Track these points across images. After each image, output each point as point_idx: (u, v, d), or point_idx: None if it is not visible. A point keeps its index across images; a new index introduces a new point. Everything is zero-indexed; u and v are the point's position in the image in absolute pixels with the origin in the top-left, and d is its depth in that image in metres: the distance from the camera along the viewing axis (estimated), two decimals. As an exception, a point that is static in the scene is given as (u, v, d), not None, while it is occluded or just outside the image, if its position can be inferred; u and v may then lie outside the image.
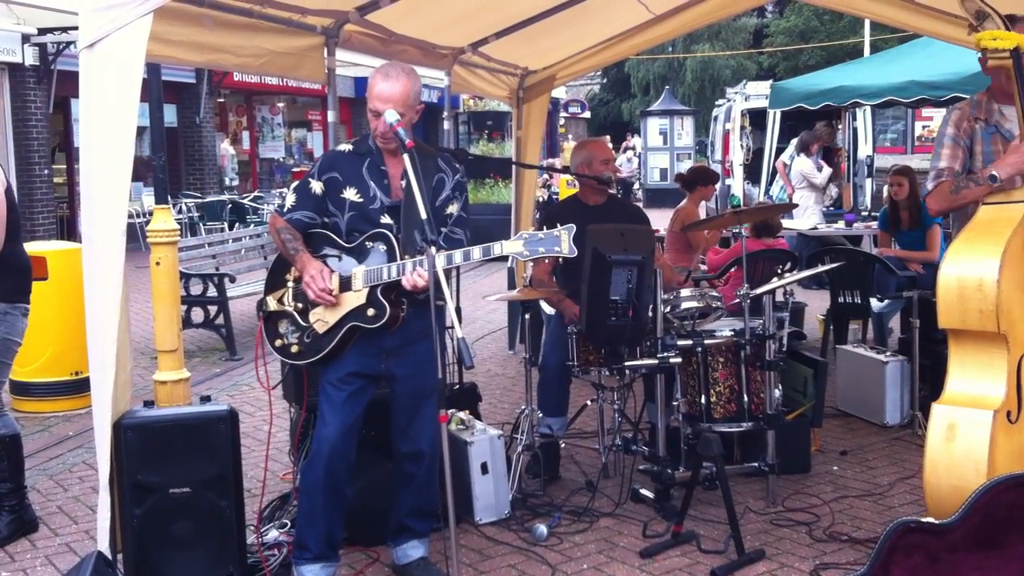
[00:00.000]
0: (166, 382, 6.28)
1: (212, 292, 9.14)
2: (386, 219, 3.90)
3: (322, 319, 3.90)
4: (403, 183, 3.87)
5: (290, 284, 4.00)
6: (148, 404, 4.12)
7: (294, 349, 3.98)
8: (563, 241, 3.56)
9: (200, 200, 17.90)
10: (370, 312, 3.83)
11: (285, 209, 4.00)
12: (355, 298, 3.85)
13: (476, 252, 3.70)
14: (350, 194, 3.91)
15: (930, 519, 3.41)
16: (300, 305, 3.96)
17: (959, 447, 3.63)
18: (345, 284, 3.86)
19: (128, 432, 3.86)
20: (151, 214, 6.77)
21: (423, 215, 3.51)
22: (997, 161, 4.10)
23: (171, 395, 6.24)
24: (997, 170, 3.99)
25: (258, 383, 4.26)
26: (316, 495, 3.96)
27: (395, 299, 3.81)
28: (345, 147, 4.05)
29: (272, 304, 4.03)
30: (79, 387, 6.79)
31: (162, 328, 6.33)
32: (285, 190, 16.98)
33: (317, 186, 3.95)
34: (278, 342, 4.02)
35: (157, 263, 6.39)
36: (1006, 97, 4.22)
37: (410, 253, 3.78)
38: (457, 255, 3.71)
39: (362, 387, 3.97)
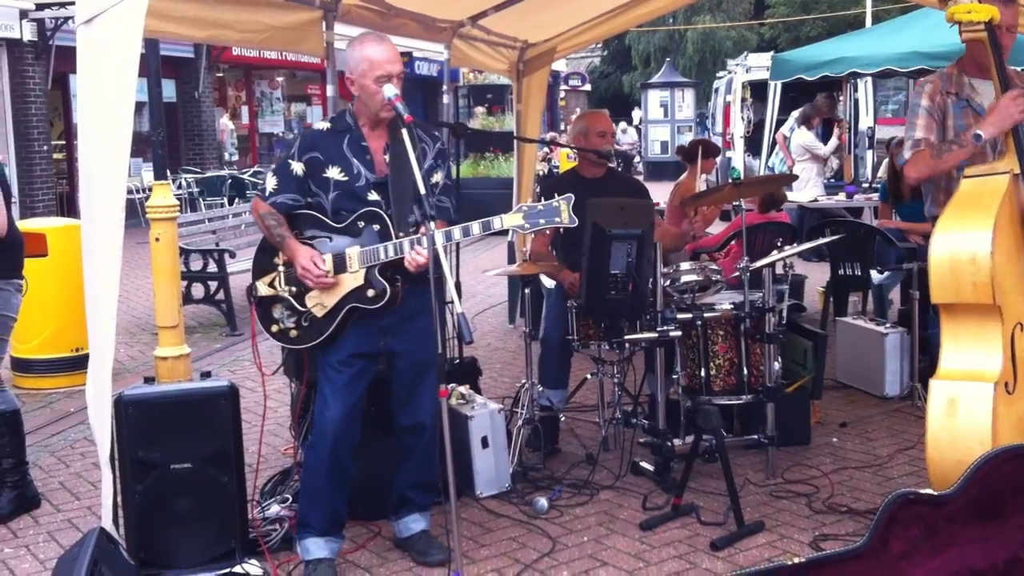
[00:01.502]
0: (167, 358, 6.31)
1: (212, 268, 9.13)
2: (373, 196, 3.85)
3: (320, 302, 3.86)
4: (386, 157, 3.86)
5: (280, 268, 3.93)
6: (149, 380, 4.14)
7: (293, 334, 3.94)
8: (562, 211, 3.56)
9: (200, 175, 17.87)
10: (370, 293, 3.80)
11: (267, 193, 3.90)
12: (352, 279, 3.81)
13: (476, 227, 3.70)
14: (334, 173, 3.85)
15: (929, 490, 3.41)
16: (294, 289, 3.91)
17: (961, 422, 3.63)
18: (339, 265, 3.81)
19: (129, 408, 3.88)
20: (150, 190, 6.77)
21: (421, 191, 3.50)
22: (981, 122, 4.09)
23: (172, 371, 6.27)
24: (981, 129, 3.99)
25: (259, 365, 4.22)
26: (320, 476, 3.97)
27: (392, 277, 3.79)
28: (323, 125, 3.99)
29: (263, 289, 3.97)
30: (80, 363, 6.78)
31: (162, 304, 6.36)
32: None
33: (298, 167, 3.88)
34: (275, 327, 3.97)
35: (157, 239, 6.41)
36: (977, 70, 4.23)
37: (403, 230, 3.76)
38: (456, 231, 3.70)
39: (363, 368, 3.96)
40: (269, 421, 5.99)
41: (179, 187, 16.69)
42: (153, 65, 6.90)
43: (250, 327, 4.19)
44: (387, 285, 3.78)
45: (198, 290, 9.17)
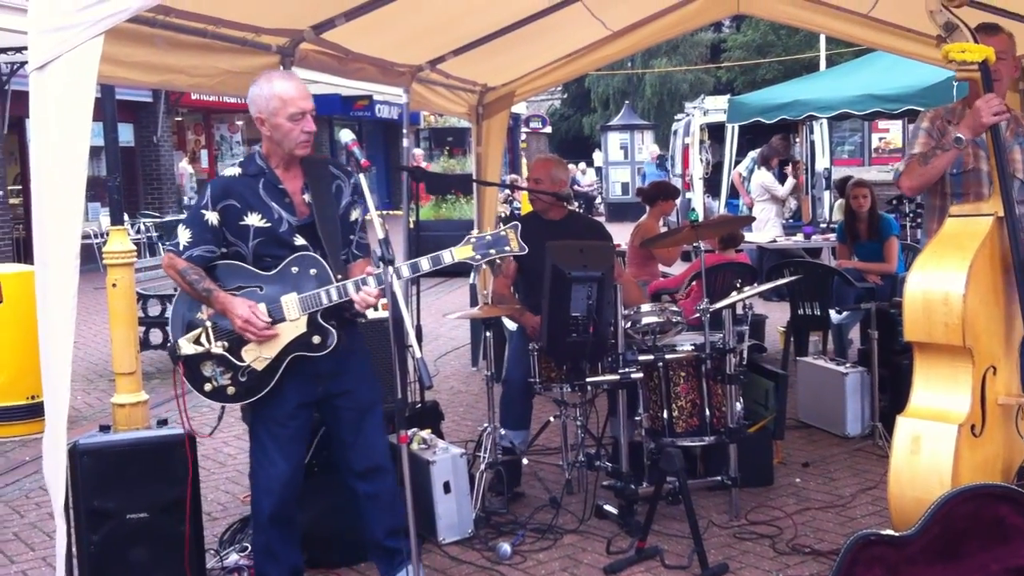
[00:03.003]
0: (124, 405, 6.22)
1: (170, 313, 9.00)
2: (299, 240, 3.73)
3: (260, 355, 3.70)
4: (306, 198, 3.76)
5: (207, 323, 3.73)
6: (104, 428, 4.07)
7: (230, 391, 3.74)
8: (511, 239, 3.55)
9: (158, 219, 17.74)
10: (315, 340, 3.69)
11: (182, 247, 3.72)
12: (292, 328, 3.68)
13: (424, 263, 3.64)
14: (253, 220, 3.71)
15: (890, 531, 3.43)
16: (227, 343, 3.71)
17: (923, 460, 3.65)
18: (275, 315, 3.67)
19: (84, 457, 3.82)
20: (108, 234, 6.70)
21: (380, 235, 3.48)
22: (959, 124, 4.15)
23: (129, 418, 6.17)
24: (960, 132, 4.05)
25: (187, 422, 4.09)
26: (271, 533, 3.89)
27: (331, 322, 3.71)
28: (232, 171, 3.83)
29: (188, 348, 3.74)
30: (35, 411, 6.68)
31: (120, 350, 6.27)
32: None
33: (212, 217, 3.72)
34: (207, 386, 3.75)
35: (114, 284, 6.33)
36: None
37: (339, 271, 3.68)
38: (405, 268, 3.63)
39: (306, 418, 3.89)
40: (228, 468, 5.94)
41: (137, 231, 16.56)
42: (109, 110, 6.88)
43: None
44: (333, 330, 3.69)
45: (156, 335, 9.05)
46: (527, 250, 3.58)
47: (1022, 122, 4.43)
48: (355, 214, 3.91)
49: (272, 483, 3.82)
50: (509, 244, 3.54)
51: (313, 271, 3.70)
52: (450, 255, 3.60)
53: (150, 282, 9.38)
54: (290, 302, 3.68)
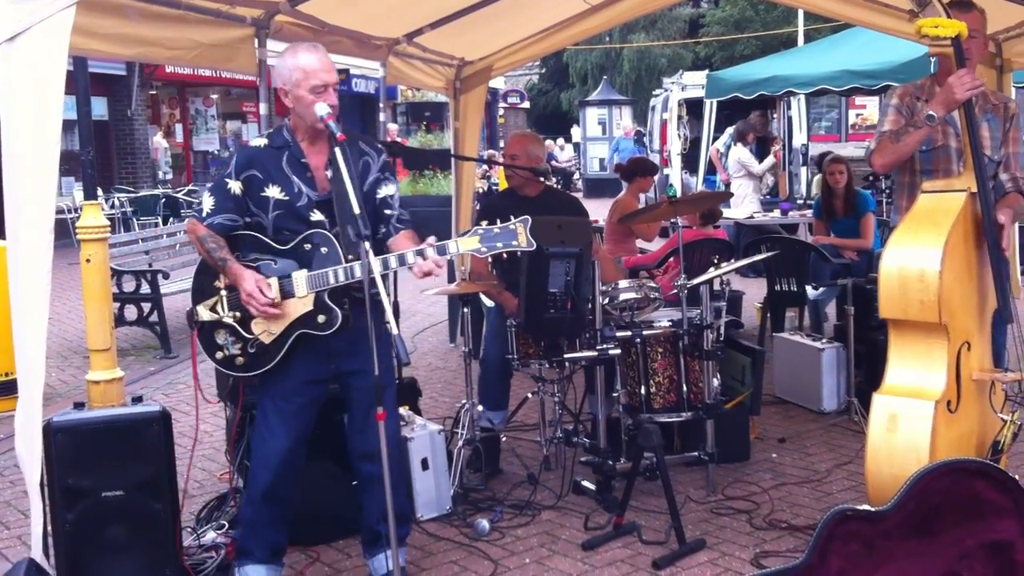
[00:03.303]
0: (99, 382, 6.18)
1: (145, 289, 8.95)
2: (317, 215, 3.71)
3: (267, 329, 3.71)
4: (328, 174, 3.72)
5: (223, 292, 3.76)
6: (79, 405, 4.03)
7: (239, 361, 3.76)
8: (519, 234, 3.49)
9: (133, 194, 17.59)
10: (320, 319, 3.68)
11: (204, 214, 3.74)
12: (300, 304, 3.68)
13: (430, 252, 3.54)
14: (273, 192, 3.71)
15: (866, 507, 3.44)
16: (238, 314, 3.72)
17: (901, 438, 3.66)
18: (286, 290, 3.67)
19: (58, 435, 3.78)
20: (81, 209, 6.63)
21: (356, 210, 3.43)
22: (931, 101, 4.14)
23: (104, 395, 6.13)
24: (932, 109, 4.04)
25: (198, 392, 4.11)
26: (261, 507, 3.87)
27: (341, 301, 3.67)
28: (259, 142, 3.83)
29: (205, 314, 3.77)
30: (9, 388, 6.62)
31: (94, 327, 6.22)
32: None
33: (236, 186, 3.73)
34: (219, 354, 3.78)
35: (88, 260, 6.27)
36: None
37: (351, 250, 3.60)
38: (409, 255, 3.56)
39: (314, 395, 3.86)
40: (205, 446, 5.90)
41: (112, 206, 16.41)
42: (82, 83, 6.78)
43: (186, 349, 4.06)
44: (338, 310, 3.66)
45: (131, 312, 8.99)
46: (535, 246, 3.53)
47: (991, 99, 4.43)
48: (384, 190, 3.84)
49: (271, 457, 3.81)
50: (517, 239, 3.48)
51: (324, 249, 3.67)
52: (456, 245, 3.52)
53: (124, 258, 9.31)
54: (299, 278, 3.67)
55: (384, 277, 3.53)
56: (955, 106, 3.99)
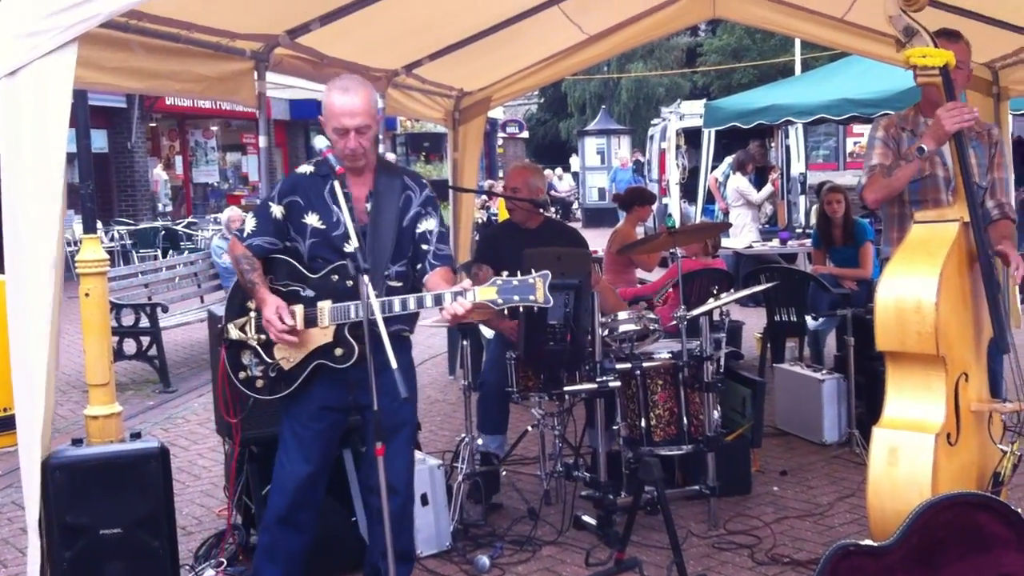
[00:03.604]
0: (97, 417, 6.14)
1: (144, 322, 8.92)
2: (350, 246, 3.65)
3: (287, 356, 3.74)
4: (368, 206, 3.75)
5: (252, 314, 3.81)
6: (76, 442, 4.00)
7: (259, 384, 3.79)
8: (538, 289, 3.43)
9: (132, 227, 17.60)
10: (338, 352, 3.68)
11: (245, 234, 3.80)
12: (321, 335, 3.69)
13: (447, 297, 3.50)
14: (312, 220, 3.74)
15: (868, 541, 3.41)
16: (263, 337, 3.76)
17: (902, 471, 3.64)
18: (311, 318, 3.68)
19: (56, 472, 3.74)
20: (80, 242, 6.62)
21: (355, 244, 3.43)
22: (922, 135, 4.14)
23: (103, 430, 6.09)
24: (923, 142, 4.04)
25: (209, 412, 4.10)
26: (276, 534, 3.85)
27: (360, 336, 3.62)
28: (306, 168, 3.84)
29: (234, 333, 3.83)
30: (7, 424, 6.60)
31: (93, 361, 6.19)
32: (219, 215, 16.75)
33: (278, 210, 3.78)
34: (242, 374, 3.82)
35: (86, 294, 6.26)
36: (933, 111, 4.25)
37: (378, 285, 3.60)
38: (428, 298, 3.55)
39: (332, 422, 3.84)
40: (204, 481, 5.88)
41: (111, 239, 16.42)
42: (82, 116, 6.81)
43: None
44: (355, 345, 3.65)
45: (130, 345, 8.97)
46: (552, 303, 3.49)
47: (974, 126, 4.43)
48: (424, 225, 3.82)
49: (287, 482, 3.80)
50: (535, 294, 3.43)
51: (349, 283, 3.66)
52: (473, 294, 3.46)
53: (123, 291, 9.29)
54: (324, 309, 3.68)
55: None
56: (946, 139, 4.00)
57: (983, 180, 4.39)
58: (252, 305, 3.81)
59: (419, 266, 3.82)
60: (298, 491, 3.80)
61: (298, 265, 3.77)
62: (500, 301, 3.45)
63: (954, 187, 4.12)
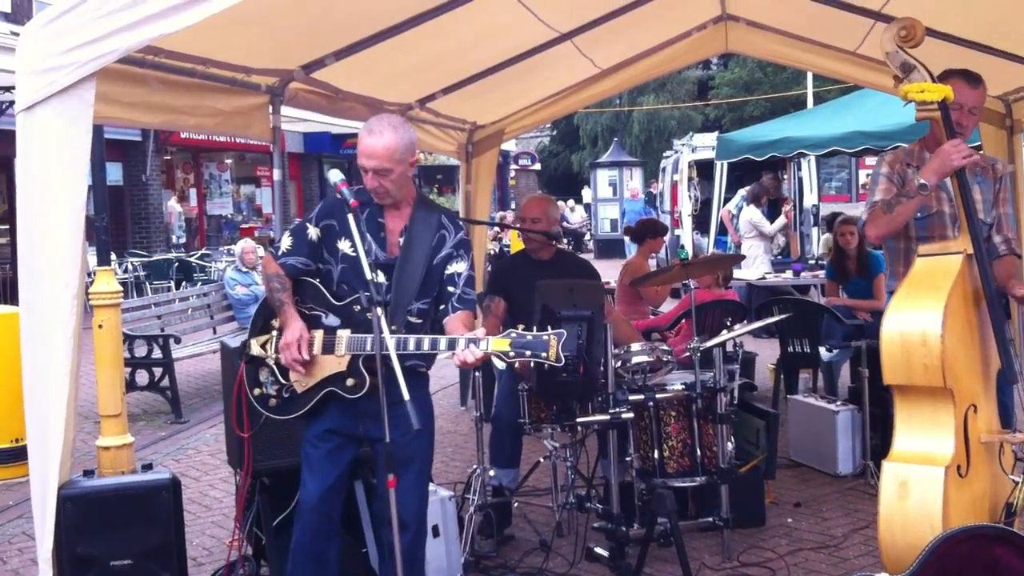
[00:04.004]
0: (109, 448, 6.16)
1: (157, 354, 8.95)
2: (379, 277, 3.62)
3: (300, 380, 3.76)
4: (401, 240, 3.77)
5: (275, 332, 3.83)
6: (88, 473, 4.01)
7: (272, 402, 3.82)
8: (551, 347, 3.38)
9: (146, 259, 17.68)
10: (349, 382, 3.68)
11: (280, 253, 3.84)
12: (335, 363, 3.69)
13: (460, 343, 3.49)
14: (344, 246, 3.76)
15: (884, 575, 3.38)
16: (280, 357, 3.79)
17: (912, 505, 3.61)
18: (328, 345, 3.71)
19: (67, 503, 3.75)
20: (94, 275, 6.65)
21: (368, 275, 3.44)
22: (922, 170, 4.13)
23: (115, 461, 6.11)
24: (925, 178, 4.03)
25: (220, 442, 4.10)
26: (298, 561, 3.83)
27: (373, 369, 3.59)
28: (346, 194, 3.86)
29: (255, 349, 3.85)
30: (19, 455, 6.60)
31: (105, 392, 6.21)
32: (233, 247, 16.79)
33: (314, 232, 3.81)
34: (257, 391, 3.84)
35: (100, 326, 6.29)
36: (937, 147, 4.25)
37: (398, 319, 3.62)
38: (443, 342, 3.54)
39: (340, 444, 3.82)
40: (215, 512, 5.87)
41: (125, 271, 16.50)
42: (97, 149, 6.86)
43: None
44: (368, 377, 3.65)
45: (142, 377, 8.98)
46: (564, 362, 3.46)
47: (979, 161, 4.42)
48: (454, 267, 3.83)
49: (300, 508, 3.80)
50: (548, 351, 3.39)
51: (368, 315, 3.63)
52: (487, 344, 3.45)
53: (136, 322, 9.31)
54: (342, 338, 3.69)
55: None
56: (947, 175, 3.99)
57: (988, 216, 4.37)
58: (276, 324, 3.83)
59: (442, 307, 3.83)
60: (311, 514, 3.78)
61: (324, 290, 3.80)
62: (512, 354, 3.43)
63: (958, 223, 4.10)
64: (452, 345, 3.51)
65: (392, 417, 3.48)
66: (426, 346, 3.57)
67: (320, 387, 3.74)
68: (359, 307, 3.69)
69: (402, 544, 3.55)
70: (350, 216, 3.60)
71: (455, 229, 3.88)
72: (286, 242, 3.87)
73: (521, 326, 3.47)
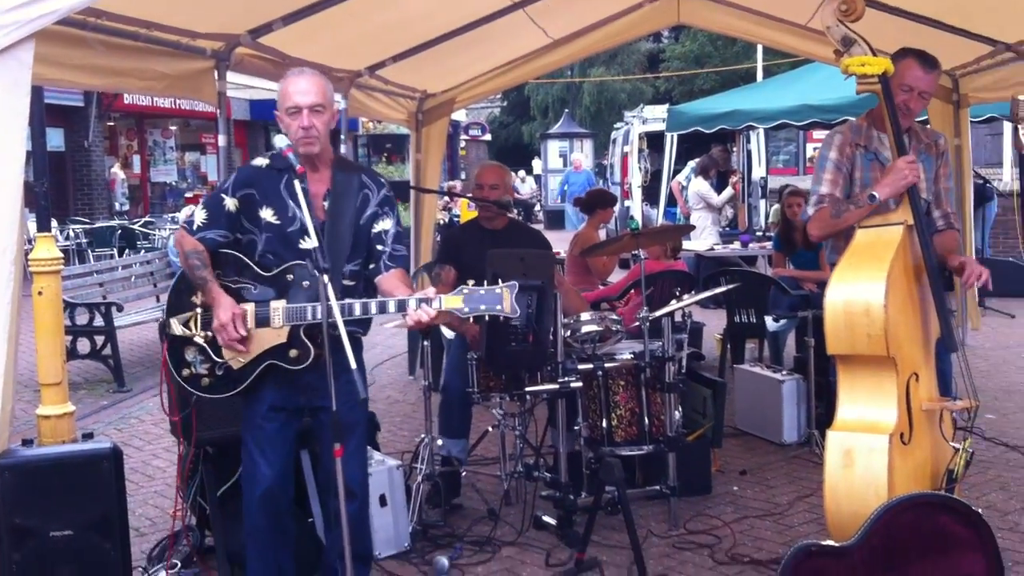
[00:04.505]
0: (50, 416, 6.02)
1: (99, 321, 8.81)
2: (306, 243, 3.61)
3: (236, 356, 3.63)
4: (326, 204, 3.67)
5: (198, 310, 3.68)
6: (27, 442, 3.92)
7: (204, 381, 3.68)
8: (504, 299, 3.39)
9: (89, 226, 17.37)
10: (292, 353, 3.60)
11: (195, 227, 3.67)
12: (274, 335, 3.59)
13: (412, 303, 3.45)
14: (267, 214, 3.64)
15: (830, 542, 3.42)
16: (210, 335, 3.65)
17: (857, 473, 3.64)
18: (262, 318, 3.59)
19: (5, 473, 3.65)
20: (35, 241, 6.51)
21: (314, 242, 3.38)
22: (875, 183, 4.15)
23: (55, 430, 5.98)
24: (876, 191, 4.04)
25: (163, 412, 4.04)
26: (263, 541, 3.77)
27: (314, 337, 3.57)
28: (261, 162, 3.74)
29: (177, 328, 3.69)
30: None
31: (45, 360, 6.08)
32: (177, 215, 16.55)
33: (231, 203, 3.66)
34: (185, 371, 3.70)
35: (40, 293, 6.15)
36: (884, 123, 4.23)
37: (335, 283, 3.51)
38: (392, 304, 3.49)
39: (285, 421, 3.75)
40: (158, 482, 5.80)
41: (67, 238, 16.20)
42: (37, 114, 6.67)
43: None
44: (311, 346, 3.57)
45: (84, 345, 8.84)
46: (518, 312, 3.46)
47: (922, 137, 4.43)
48: (380, 225, 3.76)
49: (253, 486, 3.72)
50: (502, 303, 3.40)
51: (306, 283, 3.59)
52: (440, 301, 3.43)
53: (78, 290, 9.16)
54: (278, 309, 3.59)
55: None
56: (902, 191, 3.98)
57: (928, 193, 4.38)
58: (198, 300, 3.69)
59: (372, 266, 3.77)
60: (266, 493, 3.72)
61: (249, 262, 3.67)
62: (466, 310, 3.41)
63: (897, 199, 4.11)
64: (402, 306, 3.45)
65: (335, 386, 3.42)
66: (373, 309, 3.52)
67: (259, 361, 3.63)
68: (292, 276, 3.61)
69: (349, 512, 3.50)
70: (296, 182, 3.51)
71: (377, 187, 3.81)
72: (200, 215, 3.70)
73: (471, 281, 3.43)
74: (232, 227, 3.69)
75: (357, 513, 3.76)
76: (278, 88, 3.68)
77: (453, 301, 3.41)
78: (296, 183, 3.51)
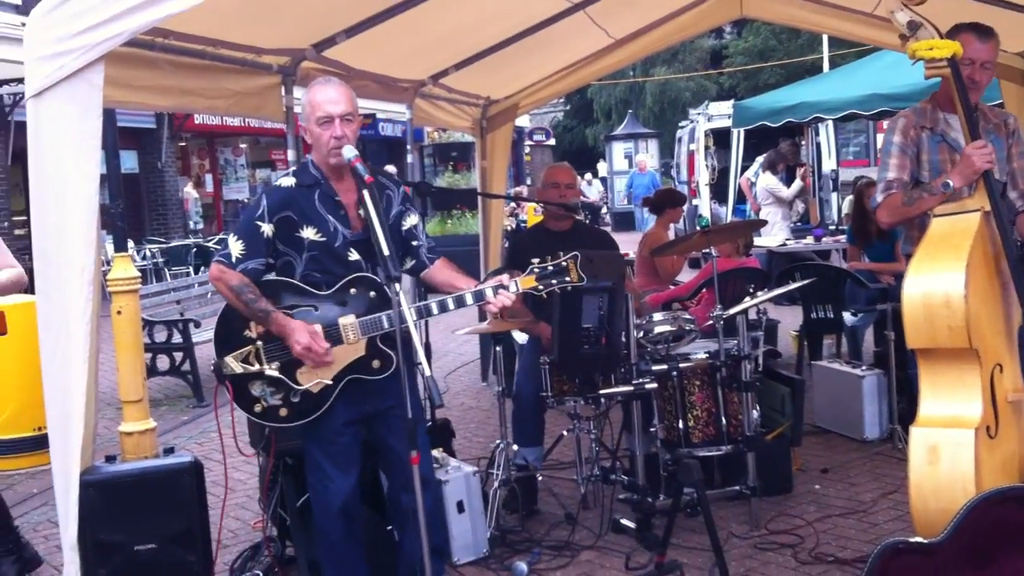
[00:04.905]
0: (132, 433, 6.16)
1: (177, 338, 8.98)
2: (354, 255, 3.64)
3: (317, 379, 3.62)
4: (360, 212, 3.64)
5: (259, 343, 3.64)
6: (110, 459, 4.00)
7: (282, 412, 3.66)
8: (571, 270, 3.52)
9: (164, 245, 17.70)
10: (375, 364, 3.62)
11: (234, 259, 3.60)
12: (351, 351, 3.60)
13: (489, 292, 3.53)
14: (309, 233, 3.62)
15: (918, 539, 3.33)
16: (279, 364, 3.62)
17: (944, 469, 3.53)
18: (333, 337, 3.59)
19: (89, 489, 3.73)
20: (113, 261, 6.65)
21: (385, 251, 3.37)
22: (950, 170, 4.05)
23: (137, 446, 6.11)
24: (951, 178, 3.95)
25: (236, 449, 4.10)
26: (338, 550, 3.79)
27: (390, 344, 3.59)
28: (288, 181, 3.69)
29: (236, 367, 3.64)
30: (42, 443, 6.59)
31: (126, 378, 6.22)
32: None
33: (268, 228, 3.62)
34: (258, 407, 3.66)
35: (119, 312, 6.29)
36: (950, 105, 4.13)
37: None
38: (468, 296, 3.56)
39: (355, 433, 3.78)
40: (238, 494, 5.86)
41: (143, 258, 16.52)
42: (110, 136, 6.83)
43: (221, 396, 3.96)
44: (392, 354, 3.58)
45: (163, 362, 9.01)
46: (587, 280, 3.53)
47: (991, 117, 4.32)
48: (409, 221, 3.83)
49: (332, 498, 3.73)
50: (570, 275, 3.52)
51: (372, 293, 3.61)
52: (515, 285, 3.52)
53: (156, 308, 9.34)
54: (348, 324, 3.60)
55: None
56: (974, 177, 3.88)
57: (1002, 174, 4.27)
58: (253, 333, 3.65)
59: (413, 262, 3.81)
60: (347, 508, 3.75)
61: (302, 284, 3.65)
62: (540, 287, 3.51)
63: (973, 185, 4.01)
64: (480, 297, 3.53)
65: (392, 387, 3.51)
66: (451, 305, 3.58)
67: (339, 379, 3.64)
68: (355, 289, 3.62)
69: (432, 501, 3.57)
70: (365, 192, 3.50)
71: (396, 185, 3.85)
72: (237, 247, 3.63)
73: (536, 260, 3.51)
74: (269, 253, 3.67)
75: (434, 501, 3.83)
76: (303, 99, 3.69)
77: (528, 282, 3.52)
78: (366, 193, 3.49)
